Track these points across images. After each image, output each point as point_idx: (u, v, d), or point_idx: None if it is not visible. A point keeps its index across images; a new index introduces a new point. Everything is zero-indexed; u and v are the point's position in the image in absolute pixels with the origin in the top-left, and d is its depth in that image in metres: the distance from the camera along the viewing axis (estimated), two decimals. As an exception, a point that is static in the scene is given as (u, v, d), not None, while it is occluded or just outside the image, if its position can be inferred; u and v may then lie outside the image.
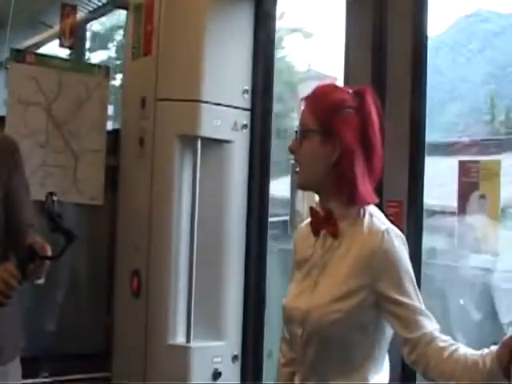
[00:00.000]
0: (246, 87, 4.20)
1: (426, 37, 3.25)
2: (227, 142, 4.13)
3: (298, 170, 2.47)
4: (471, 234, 2.96)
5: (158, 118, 4.13)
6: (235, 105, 4.17)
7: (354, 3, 3.55)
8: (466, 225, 2.97)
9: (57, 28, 4.81)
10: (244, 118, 4.19)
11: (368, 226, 2.33)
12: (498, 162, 2.84)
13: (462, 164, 2.96)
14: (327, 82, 2.64)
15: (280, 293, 2.92)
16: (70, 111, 4.43)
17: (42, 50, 6.71)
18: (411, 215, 3.00)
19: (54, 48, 6.50)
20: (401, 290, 2.24)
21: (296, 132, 2.46)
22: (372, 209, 2.40)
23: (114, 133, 4.60)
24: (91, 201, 4.43)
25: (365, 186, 2.36)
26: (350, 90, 2.45)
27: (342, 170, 2.36)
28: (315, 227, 2.48)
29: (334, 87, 2.50)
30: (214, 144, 4.09)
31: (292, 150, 2.46)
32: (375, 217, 2.37)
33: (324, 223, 2.43)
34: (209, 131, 4.05)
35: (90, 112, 4.48)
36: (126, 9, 4.66)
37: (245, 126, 4.19)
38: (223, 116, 4.10)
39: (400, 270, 2.27)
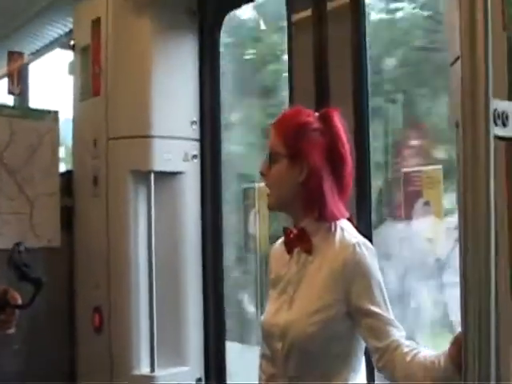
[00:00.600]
0: (194, 118, 4.29)
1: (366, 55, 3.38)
2: (179, 173, 4.21)
3: (268, 192, 2.57)
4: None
5: (110, 156, 4.20)
6: (185, 136, 4.25)
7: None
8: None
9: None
10: (194, 148, 4.28)
11: (339, 240, 2.43)
12: (440, 171, 2.94)
13: (405, 175, 3.06)
14: (292, 108, 2.77)
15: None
16: (22, 158, 4.44)
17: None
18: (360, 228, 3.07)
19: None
20: (372, 301, 2.33)
21: (266, 156, 2.55)
22: (343, 223, 2.49)
23: (67, 174, 4.63)
24: (48, 243, 4.44)
25: (334, 203, 2.45)
26: (316, 114, 2.54)
27: (311, 189, 2.45)
28: (289, 245, 2.57)
29: (299, 111, 2.59)
30: (167, 176, 4.16)
31: (262, 174, 2.56)
32: (346, 231, 2.46)
33: (297, 241, 2.52)
34: (161, 165, 4.13)
35: (42, 157, 4.51)
36: (72, 50, 4.74)
37: (195, 157, 4.27)
38: (174, 148, 4.18)
39: (371, 281, 2.35)
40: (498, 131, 1.64)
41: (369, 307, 2.33)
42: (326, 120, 2.52)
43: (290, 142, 2.49)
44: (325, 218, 2.46)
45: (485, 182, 1.74)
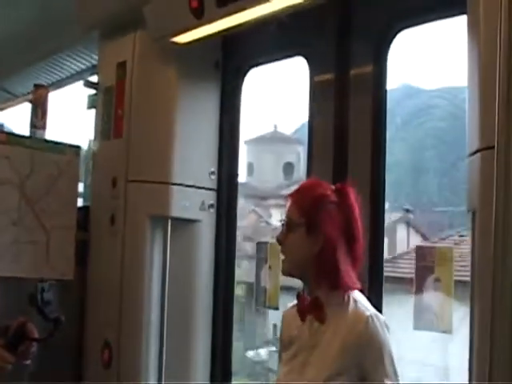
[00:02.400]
0: (213, 169, 4.43)
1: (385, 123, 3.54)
2: (195, 221, 4.35)
3: (283, 258, 2.73)
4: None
5: (128, 198, 4.32)
6: (203, 185, 4.39)
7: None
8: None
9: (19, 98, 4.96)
10: (211, 198, 4.42)
11: (353, 312, 2.58)
12: (452, 249, 3.11)
13: (418, 249, 3.22)
14: (311, 179, 2.93)
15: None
16: (41, 189, 4.52)
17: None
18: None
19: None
20: (384, 373, 2.51)
21: (282, 224, 2.71)
22: (356, 294, 2.65)
23: (85, 209, 4.74)
24: (62, 276, 4.53)
25: (348, 274, 2.62)
26: (333, 187, 2.71)
27: (325, 260, 2.61)
28: (302, 312, 2.71)
29: (317, 184, 2.76)
30: (183, 223, 4.30)
31: (279, 241, 2.72)
32: (359, 302, 2.61)
33: (311, 309, 2.67)
34: (178, 211, 4.27)
35: (61, 190, 4.59)
36: (96, 89, 4.83)
37: (212, 206, 4.41)
38: (191, 196, 4.32)
39: (384, 354, 2.52)
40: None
41: (381, 379, 2.50)
42: (342, 195, 2.68)
43: (307, 213, 2.65)
44: (338, 289, 2.62)
45: None
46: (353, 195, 2.69)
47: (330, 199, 2.67)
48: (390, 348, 2.56)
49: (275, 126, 10.79)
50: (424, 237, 9.89)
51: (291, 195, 2.76)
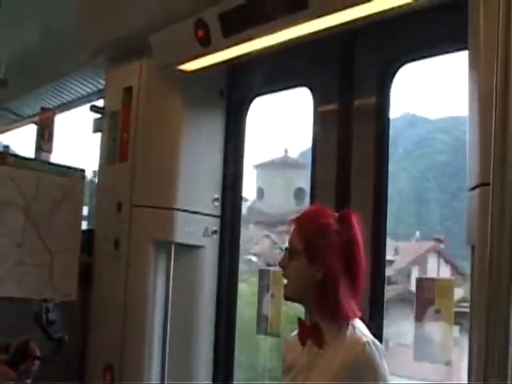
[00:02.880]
0: (216, 195, 4.48)
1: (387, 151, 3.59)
2: (199, 247, 4.40)
3: (285, 282, 2.78)
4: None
5: (133, 223, 4.37)
6: (206, 212, 4.44)
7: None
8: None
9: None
10: (214, 224, 4.47)
11: (351, 337, 2.63)
12: (452, 281, 3.15)
13: (419, 282, 3.26)
14: (314, 206, 2.97)
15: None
16: (46, 211, 4.54)
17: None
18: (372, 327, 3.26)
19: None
20: None
21: (286, 248, 2.75)
22: (355, 322, 2.69)
23: (89, 232, 4.79)
24: (65, 298, 4.56)
25: (348, 304, 2.67)
26: (336, 214, 2.75)
27: (326, 290, 2.66)
28: (302, 337, 2.77)
29: (320, 211, 2.80)
30: (186, 249, 4.35)
31: (281, 266, 2.76)
32: (357, 328, 2.66)
33: (310, 334, 2.72)
34: (182, 237, 4.33)
35: (66, 213, 4.62)
36: (101, 113, 4.87)
37: (215, 232, 4.46)
38: (195, 222, 4.38)
39: (379, 379, 2.56)
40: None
41: None
42: (344, 223, 2.72)
43: (309, 243, 2.70)
44: (338, 318, 2.67)
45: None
46: (356, 223, 2.73)
47: (333, 228, 2.71)
48: (386, 373, 2.60)
49: (286, 151, 10.74)
50: (453, 267, 9.76)
51: (294, 222, 2.81)
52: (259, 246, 8.33)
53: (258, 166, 11.48)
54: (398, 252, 6.27)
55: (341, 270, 2.67)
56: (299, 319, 2.82)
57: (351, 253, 2.70)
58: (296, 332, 2.87)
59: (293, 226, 2.79)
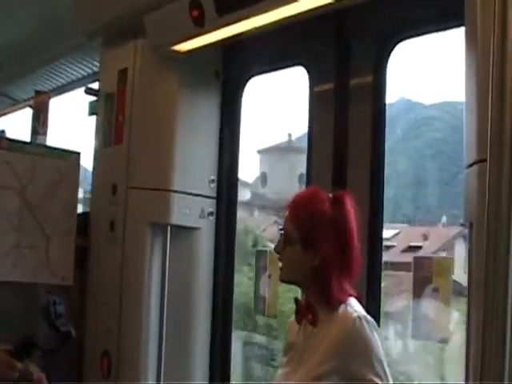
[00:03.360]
0: (213, 177, 4.46)
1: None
2: (195, 228, 4.38)
3: (280, 265, 2.77)
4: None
5: (129, 205, 4.35)
6: (202, 193, 4.42)
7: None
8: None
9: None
10: (210, 205, 4.44)
11: (342, 314, 2.63)
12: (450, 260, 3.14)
13: (416, 260, 3.25)
14: (309, 189, 2.96)
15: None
16: (42, 195, 4.54)
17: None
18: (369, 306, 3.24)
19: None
20: (372, 372, 2.54)
21: (281, 234, 2.75)
22: (350, 301, 2.69)
23: (84, 215, 4.77)
24: (62, 281, 4.55)
25: (340, 289, 2.68)
26: (330, 195, 2.73)
27: (321, 275, 2.68)
28: (298, 316, 2.79)
29: (314, 195, 2.78)
30: (183, 230, 4.33)
31: (277, 251, 2.76)
32: (349, 305, 2.66)
33: (305, 313, 2.73)
34: (178, 219, 4.29)
35: (62, 196, 4.61)
36: (96, 96, 4.84)
37: (211, 214, 4.43)
38: (191, 204, 4.35)
39: (371, 354, 2.56)
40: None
41: (370, 377, 2.53)
42: (338, 206, 2.71)
43: (304, 230, 2.71)
44: (332, 302, 2.67)
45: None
46: (350, 206, 2.72)
47: (326, 214, 2.70)
48: (379, 349, 2.59)
49: (289, 135, 10.62)
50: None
51: (289, 206, 2.80)
52: (268, 233, 8.29)
53: (261, 151, 11.38)
54: (428, 238, 6.24)
55: (335, 255, 2.68)
56: (295, 299, 2.82)
57: (345, 238, 2.71)
58: None
59: (287, 211, 2.78)
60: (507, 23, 2.09)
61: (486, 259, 2.07)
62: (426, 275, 3.15)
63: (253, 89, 4.60)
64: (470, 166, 2.61)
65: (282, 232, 2.78)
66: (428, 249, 6.13)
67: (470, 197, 2.62)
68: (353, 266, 2.72)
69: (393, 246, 5.97)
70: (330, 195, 2.76)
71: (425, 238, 5.79)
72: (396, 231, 6.01)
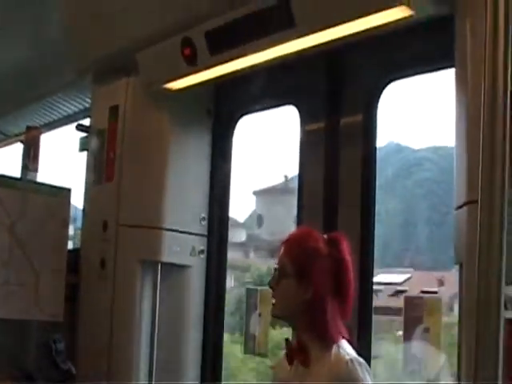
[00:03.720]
0: (203, 215, 4.45)
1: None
2: (186, 266, 4.37)
3: (274, 302, 2.76)
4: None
5: (119, 242, 4.33)
6: (193, 231, 4.41)
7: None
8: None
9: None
10: (201, 243, 4.44)
11: (335, 356, 2.62)
12: (440, 300, 3.14)
13: (407, 299, 3.25)
14: (303, 228, 2.98)
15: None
16: (32, 231, 4.52)
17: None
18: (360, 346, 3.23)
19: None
20: None
21: (275, 269, 2.75)
22: (342, 342, 2.68)
23: (74, 252, 4.74)
24: (52, 318, 4.52)
25: (335, 324, 2.68)
26: (325, 236, 2.74)
27: (315, 309, 2.67)
28: (290, 357, 2.77)
29: (308, 234, 2.80)
30: (173, 268, 4.32)
31: (271, 286, 2.76)
32: (342, 348, 2.65)
33: (297, 354, 2.72)
34: (168, 256, 4.29)
35: (52, 232, 4.60)
36: (87, 132, 4.84)
37: (202, 252, 4.43)
38: (182, 242, 4.35)
39: None
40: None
41: None
42: (333, 246, 2.73)
43: (299, 265, 2.71)
44: (325, 339, 2.66)
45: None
46: (345, 246, 2.74)
47: (322, 251, 2.72)
48: None
49: (286, 177, 10.61)
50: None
51: (284, 243, 2.81)
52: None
53: (257, 193, 11.36)
54: (444, 283, 6.20)
55: (330, 291, 2.69)
56: (286, 340, 2.81)
57: (341, 274, 2.71)
58: (285, 352, 2.87)
59: (282, 248, 2.79)
60: (497, 64, 2.11)
61: (477, 300, 2.07)
62: (417, 315, 3.15)
63: (248, 128, 4.62)
64: (460, 207, 2.63)
65: (277, 267, 2.78)
66: (444, 294, 6.08)
67: (459, 237, 2.64)
68: (347, 304, 2.73)
69: (404, 291, 5.92)
70: (325, 236, 2.77)
71: (440, 283, 5.75)
72: (408, 275, 5.96)
